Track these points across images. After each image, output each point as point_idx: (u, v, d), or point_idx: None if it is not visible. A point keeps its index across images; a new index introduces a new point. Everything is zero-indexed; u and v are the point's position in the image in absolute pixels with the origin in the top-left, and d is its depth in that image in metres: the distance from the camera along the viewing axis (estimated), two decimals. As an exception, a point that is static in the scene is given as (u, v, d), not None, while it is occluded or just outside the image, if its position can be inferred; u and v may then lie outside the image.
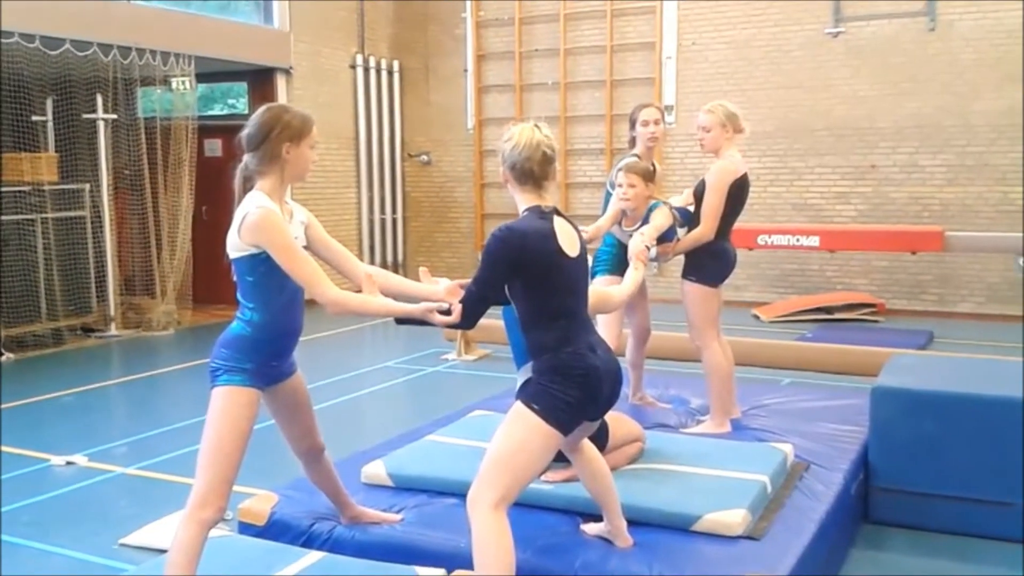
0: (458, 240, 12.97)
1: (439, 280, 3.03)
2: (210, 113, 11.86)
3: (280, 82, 11.23)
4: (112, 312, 9.63)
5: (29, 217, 8.97)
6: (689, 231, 4.68)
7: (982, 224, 9.86)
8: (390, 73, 12.81)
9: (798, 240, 9.35)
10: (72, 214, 9.36)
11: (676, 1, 11.24)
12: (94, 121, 9.42)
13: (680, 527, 3.31)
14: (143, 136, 9.81)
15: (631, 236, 4.16)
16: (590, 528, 3.31)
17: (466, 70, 12.55)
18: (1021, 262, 8.79)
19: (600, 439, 3.45)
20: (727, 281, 4.79)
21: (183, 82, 10.06)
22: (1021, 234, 8.76)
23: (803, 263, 10.84)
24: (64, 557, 4.03)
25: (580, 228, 3.06)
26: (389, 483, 3.82)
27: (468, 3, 12.40)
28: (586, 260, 3.05)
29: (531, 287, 2.87)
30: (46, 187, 8.98)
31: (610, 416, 3.44)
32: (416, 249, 13.23)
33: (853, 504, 4.05)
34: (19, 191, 8.80)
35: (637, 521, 3.29)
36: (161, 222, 9.96)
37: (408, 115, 13.02)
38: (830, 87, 10.56)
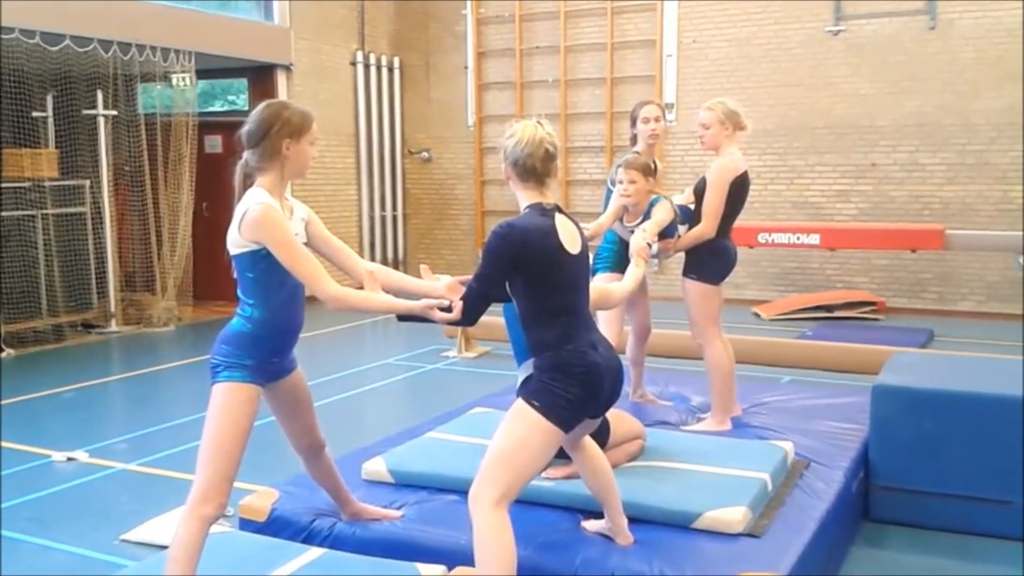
0: (458, 237, 12.97)
1: (440, 277, 3.03)
2: (210, 109, 11.84)
3: (280, 78, 11.24)
4: (112, 308, 9.63)
5: (29, 213, 8.97)
6: (690, 229, 4.69)
7: (982, 222, 9.86)
8: (390, 70, 12.80)
9: (798, 238, 9.37)
10: (72, 210, 9.37)
11: (677, -1, 11.26)
12: (94, 117, 9.42)
13: (681, 524, 3.31)
14: (143, 132, 9.81)
15: (633, 232, 4.17)
16: (591, 525, 3.31)
17: (466, 67, 12.55)
18: (1021, 260, 8.79)
19: (601, 436, 3.45)
20: (728, 279, 4.79)
21: (183, 78, 10.06)
22: (1021, 233, 8.78)
23: (803, 261, 10.84)
24: (65, 553, 4.03)
25: (581, 225, 3.06)
26: (390, 480, 3.82)
27: (468, 0, 12.40)
28: (587, 257, 3.04)
29: (532, 284, 2.86)
30: (46, 183, 8.99)
31: (611, 413, 3.44)
32: (416, 246, 13.23)
33: (853, 502, 4.05)
34: (19, 187, 8.80)
35: (638, 518, 3.29)
36: (161, 218, 9.96)
37: (408, 112, 13.02)
38: (830, 85, 10.56)
